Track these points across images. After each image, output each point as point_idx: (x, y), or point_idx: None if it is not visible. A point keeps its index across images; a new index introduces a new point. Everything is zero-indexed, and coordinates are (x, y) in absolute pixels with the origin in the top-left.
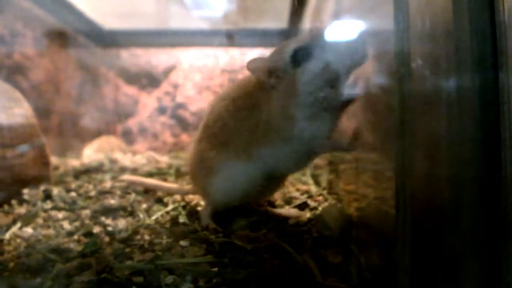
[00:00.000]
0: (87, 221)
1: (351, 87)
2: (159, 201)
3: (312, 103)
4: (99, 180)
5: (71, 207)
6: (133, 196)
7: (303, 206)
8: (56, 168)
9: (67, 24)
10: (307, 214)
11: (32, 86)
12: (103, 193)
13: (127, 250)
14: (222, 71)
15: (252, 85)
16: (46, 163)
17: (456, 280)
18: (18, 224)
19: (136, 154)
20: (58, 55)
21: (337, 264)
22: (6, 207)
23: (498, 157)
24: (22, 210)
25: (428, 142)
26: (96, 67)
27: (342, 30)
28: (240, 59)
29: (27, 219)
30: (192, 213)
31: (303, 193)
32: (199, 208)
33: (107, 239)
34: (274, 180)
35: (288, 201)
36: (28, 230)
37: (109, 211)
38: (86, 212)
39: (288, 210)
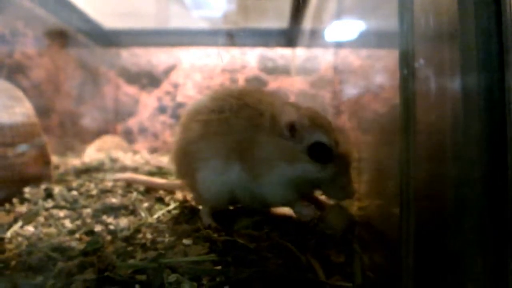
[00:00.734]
0: (88, 220)
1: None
2: (160, 200)
3: (293, 177)
4: (100, 179)
5: (72, 206)
6: (134, 194)
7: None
8: (57, 167)
9: (68, 24)
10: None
11: (32, 85)
12: (105, 191)
13: (129, 248)
14: (222, 70)
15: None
16: (47, 162)
17: (461, 280)
18: (20, 223)
19: (137, 154)
20: (58, 55)
21: (340, 264)
22: (7, 205)
23: (504, 156)
24: (23, 208)
25: (433, 141)
26: (96, 67)
27: None
28: (240, 59)
29: (29, 218)
30: (194, 211)
31: None
32: (200, 207)
33: (109, 237)
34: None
35: None
36: (30, 228)
37: (111, 210)
38: (88, 210)
39: (290, 210)
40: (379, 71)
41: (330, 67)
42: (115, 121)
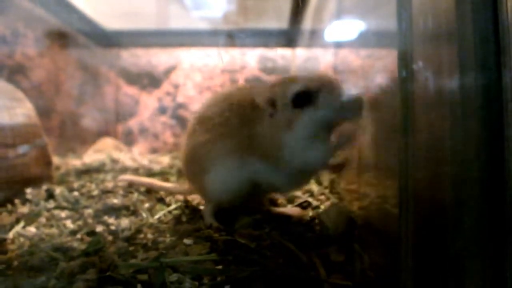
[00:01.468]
0: (90, 220)
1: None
2: (161, 200)
3: (302, 139)
4: (101, 179)
5: (74, 207)
6: (135, 195)
7: (305, 205)
8: (58, 168)
9: (68, 25)
10: (310, 213)
11: (33, 86)
12: (106, 192)
13: (131, 248)
14: (223, 71)
15: (247, 102)
16: (48, 163)
17: (460, 279)
18: (22, 223)
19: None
20: (59, 55)
21: (340, 263)
22: (9, 206)
23: (502, 156)
24: (25, 209)
25: (431, 141)
26: (96, 67)
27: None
28: (240, 59)
29: (30, 218)
30: (195, 211)
31: (305, 192)
32: (201, 207)
33: (110, 238)
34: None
35: (291, 200)
36: (31, 229)
37: (112, 210)
38: (89, 211)
39: (290, 209)
40: (379, 71)
41: (330, 67)
42: (115, 122)
